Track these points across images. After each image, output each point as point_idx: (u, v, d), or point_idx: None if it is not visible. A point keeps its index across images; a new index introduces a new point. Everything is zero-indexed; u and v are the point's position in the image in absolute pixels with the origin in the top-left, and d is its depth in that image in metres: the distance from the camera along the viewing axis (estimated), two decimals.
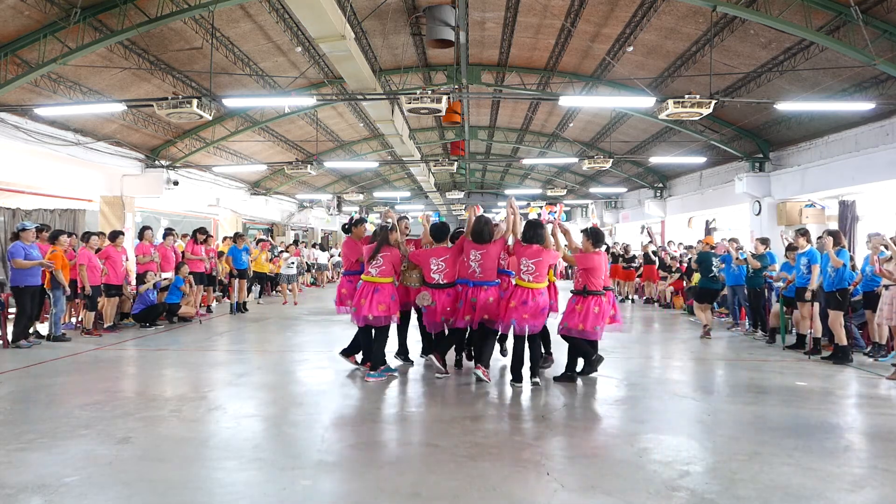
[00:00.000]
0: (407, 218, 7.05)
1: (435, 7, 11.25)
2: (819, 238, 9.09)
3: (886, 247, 7.10)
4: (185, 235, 12.07)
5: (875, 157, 11.99)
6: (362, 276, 6.30)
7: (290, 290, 14.69)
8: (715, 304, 12.34)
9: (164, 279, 10.42)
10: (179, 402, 5.39)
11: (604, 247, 7.10)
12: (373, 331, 6.29)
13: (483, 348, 6.19)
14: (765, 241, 9.80)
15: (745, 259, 9.57)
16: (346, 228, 7.23)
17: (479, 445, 4.25)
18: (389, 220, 6.42)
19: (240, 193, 21.72)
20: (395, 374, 6.35)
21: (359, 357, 6.75)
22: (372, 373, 6.18)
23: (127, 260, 10.34)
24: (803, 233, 8.33)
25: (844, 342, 7.44)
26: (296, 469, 3.79)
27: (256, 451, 4.13)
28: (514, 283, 6.01)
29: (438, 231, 6.39)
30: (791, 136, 14.50)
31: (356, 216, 7.32)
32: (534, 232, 5.95)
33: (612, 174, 23.43)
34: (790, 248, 8.92)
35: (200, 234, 11.92)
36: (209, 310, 12.20)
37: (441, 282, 6.12)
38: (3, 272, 11.26)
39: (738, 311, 10.56)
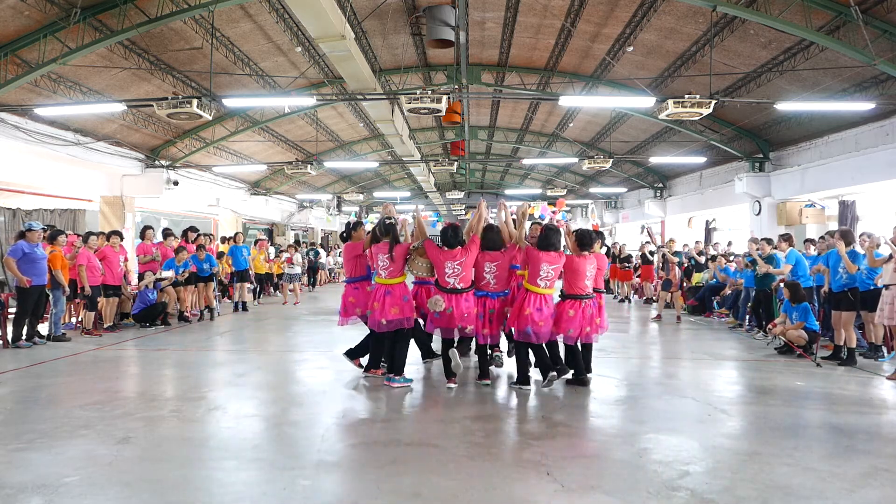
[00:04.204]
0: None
1: (435, 7, 11.25)
2: (822, 238, 9.11)
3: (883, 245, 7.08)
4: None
5: (875, 157, 12.00)
6: (374, 279, 6.09)
7: (291, 290, 14.69)
8: (715, 303, 12.36)
9: (164, 279, 10.42)
10: (179, 402, 5.40)
11: (602, 249, 7.10)
12: (388, 336, 6.02)
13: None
14: (769, 241, 9.77)
15: (754, 263, 9.51)
16: (345, 236, 6.83)
17: (479, 445, 4.25)
18: (392, 218, 6.14)
19: (240, 193, 21.71)
20: (411, 386, 6.00)
21: (364, 360, 6.50)
22: (395, 377, 5.94)
23: (125, 260, 10.34)
24: (786, 238, 9.03)
25: (854, 345, 7.35)
26: (296, 469, 3.79)
27: (256, 451, 4.14)
28: (525, 288, 5.78)
29: (447, 236, 5.89)
30: (791, 136, 14.50)
31: (354, 219, 7.03)
32: (556, 238, 5.79)
33: (612, 174, 23.43)
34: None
35: (191, 233, 11.97)
36: (209, 309, 12.17)
37: (457, 286, 5.77)
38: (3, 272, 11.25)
39: (745, 312, 10.52)
